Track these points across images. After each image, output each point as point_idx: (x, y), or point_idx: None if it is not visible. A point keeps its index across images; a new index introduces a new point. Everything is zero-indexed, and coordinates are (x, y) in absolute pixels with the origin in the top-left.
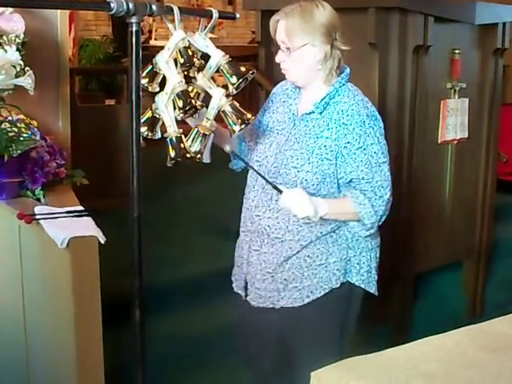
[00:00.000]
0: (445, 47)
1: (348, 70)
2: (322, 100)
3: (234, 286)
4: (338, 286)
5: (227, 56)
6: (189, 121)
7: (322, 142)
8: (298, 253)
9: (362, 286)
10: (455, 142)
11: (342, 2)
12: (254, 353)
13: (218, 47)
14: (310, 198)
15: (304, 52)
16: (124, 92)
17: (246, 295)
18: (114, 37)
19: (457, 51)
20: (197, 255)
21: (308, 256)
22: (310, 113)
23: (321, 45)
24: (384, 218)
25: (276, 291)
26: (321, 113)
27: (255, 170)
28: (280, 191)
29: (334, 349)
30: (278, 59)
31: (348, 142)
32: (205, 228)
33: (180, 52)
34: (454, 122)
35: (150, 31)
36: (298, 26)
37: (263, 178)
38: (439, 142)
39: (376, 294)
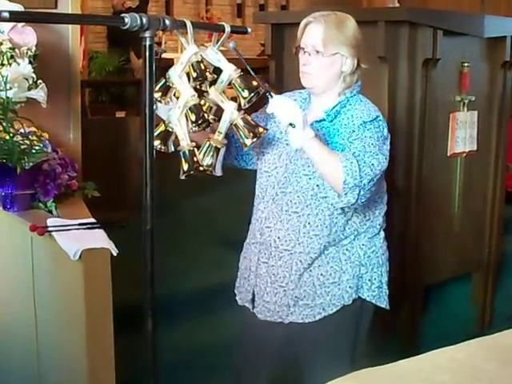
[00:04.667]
0: (454, 60)
1: (359, 82)
2: (333, 108)
3: (238, 299)
4: (349, 302)
5: (239, 70)
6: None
7: (335, 147)
8: (310, 270)
9: (373, 301)
10: (464, 154)
11: (352, 15)
12: (258, 366)
13: (227, 60)
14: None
15: (334, 60)
16: (134, 104)
17: (253, 307)
18: (112, 48)
19: (466, 64)
20: (206, 266)
21: (321, 274)
22: (321, 120)
23: (350, 57)
24: (365, 195)
25: (286, 306)
26: (331, 121)
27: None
28: (271, 96)
29: (345, 363)
30: (303, 61)
31: (350, 136)
32: (214, 239)
33: (193, 66)
34: (463, 134)
35: (160, 43)
36: (336, 34)
37: (256, 80)
38: (448, 154)
39: (387, 308)
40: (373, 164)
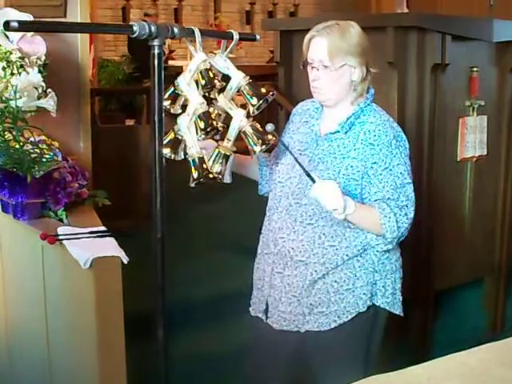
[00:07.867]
0: (463, 65)
1: (373, 91)
2: (347, 119)
3: (251, 309)
4: (364, 309)
5: (247, 77)
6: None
7: (349, 162)
8: (324, 277)
9: (387, 308)
10: (474, 159)
11: (361, 21)
12: (269, 375)
13: (236, 67)
14: (341, 192)
15: (342, 72)
16: (143, 112)
17: (267, 318)
18: (131, 56)
19: (475, 69)
20: (215, 274)
21: (335, 281)
22: (335, 132)
23: (358, 66)
24: (403, 237)
25: (301, 315)
26: (346, 132)
27: (294, 156)
28: (313, 180)
29: (359, 370)
30: (312, 77)
31: (375, 163)
32: (223, 247)
33: (201, 74)
34: (472, 139)
35: (171, 51)
36: (340, 45)
37: (300, 165)
38: (458, 159)
39: (401, 314)
40: (407, 206)
